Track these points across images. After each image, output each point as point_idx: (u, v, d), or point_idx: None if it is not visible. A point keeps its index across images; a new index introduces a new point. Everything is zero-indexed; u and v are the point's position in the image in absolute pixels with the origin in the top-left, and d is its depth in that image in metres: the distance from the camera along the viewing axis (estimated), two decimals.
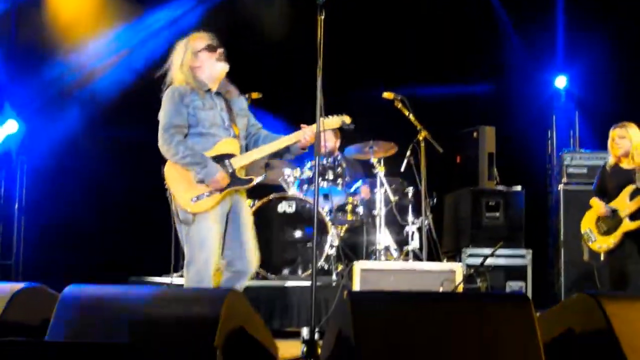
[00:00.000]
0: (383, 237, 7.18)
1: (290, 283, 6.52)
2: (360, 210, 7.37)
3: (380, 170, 7.30)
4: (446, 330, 2.96)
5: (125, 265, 7.69)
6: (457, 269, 6.22)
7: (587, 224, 6.39)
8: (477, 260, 7.45)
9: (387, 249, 7.21)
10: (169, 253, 9.04)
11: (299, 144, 4.74)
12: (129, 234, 8.88)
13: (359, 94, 8.78)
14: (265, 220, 6.90)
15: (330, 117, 4.74)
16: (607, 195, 6.31)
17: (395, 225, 7.57)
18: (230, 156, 4.63)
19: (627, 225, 6.05)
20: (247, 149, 4.81)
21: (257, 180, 4.68)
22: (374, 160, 7.35)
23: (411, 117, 7.12)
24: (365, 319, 2.95)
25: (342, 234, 7.23)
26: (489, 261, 7.07)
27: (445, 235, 8.64)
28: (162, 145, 4.58)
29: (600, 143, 8.37)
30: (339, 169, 7.31)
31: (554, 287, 8.51)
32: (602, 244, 6.22)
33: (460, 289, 6.10)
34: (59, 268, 8.32)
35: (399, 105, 7.11)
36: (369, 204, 7.44)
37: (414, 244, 7.17)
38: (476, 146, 8.48)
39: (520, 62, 9.45)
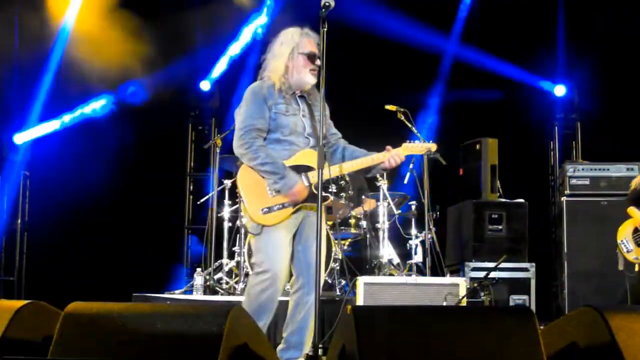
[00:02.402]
0: (386, 251, 7.16)
1: None
2: (364, 223, 7.35)
3: (383, 184, 7.28)
4: (450, 345, 2.95)
5: (129, 282, 7.68)
6: (461, 282, 6.22)
7: (624, 233, 6.29)
8: (481, 274, 7.42)
9: (390, 262, 7.20)
10: (172, 269, 9.06)
11: (382, 166, 4.50)
12: (132, 250, 8.88)
13: (361, 105, 8.79)
14: None
15: (415, 142, 4.53)
16: None
17: (399, 238, 7.56)
18: (308, 168, 4.37)
19: None
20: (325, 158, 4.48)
21: (332, 199, 4.41)
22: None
23: (414, 129, 7.13)
24: (369, 334, 2.94)
25: (345, 248, 7.21)
26: (493, 274, 7.04)
27: (449, 249, 8.61)
28: (240, 147, 4.33)
29: (602, 154, 8.36)
30: (342, 182, 7.28)
31: (558, 300, 8.47)
32: (638, 254, 6.14)
33: (464, 302, 6.09)
34: (62, 285, 8.32)
35: (402, 118, 7.12)
36: (372, 217, 7.42)
37: (417, 257, 7.16)
38: (479, 158, 8.45)
39: (522, 74, 9.46)
